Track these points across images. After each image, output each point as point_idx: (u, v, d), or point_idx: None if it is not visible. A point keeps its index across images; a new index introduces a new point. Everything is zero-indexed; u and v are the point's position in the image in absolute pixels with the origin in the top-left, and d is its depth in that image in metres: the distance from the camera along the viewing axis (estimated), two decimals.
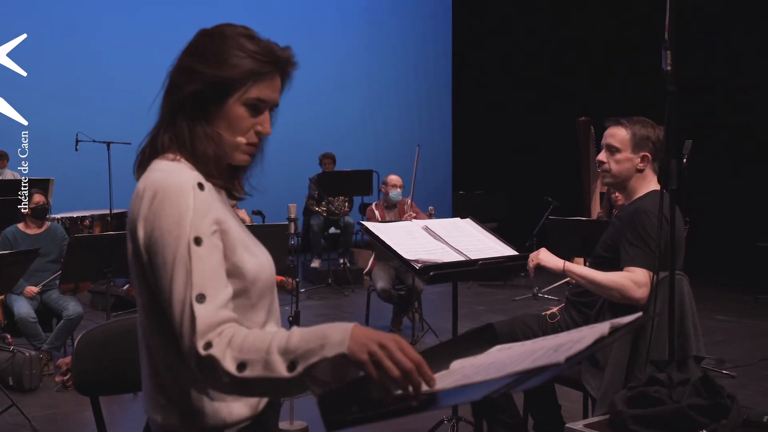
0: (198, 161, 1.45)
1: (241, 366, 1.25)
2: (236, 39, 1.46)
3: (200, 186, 1.40)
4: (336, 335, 1.23)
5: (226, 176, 1.53)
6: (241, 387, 1.27)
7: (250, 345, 1.27)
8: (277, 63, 1.47)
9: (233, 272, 1.42)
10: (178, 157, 1.45)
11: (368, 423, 1.10)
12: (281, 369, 1.23)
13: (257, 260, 1.48)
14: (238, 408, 1.46)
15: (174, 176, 1.40)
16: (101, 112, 8.94)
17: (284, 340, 1.26)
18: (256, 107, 1.47)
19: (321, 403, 1.08)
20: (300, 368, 1.22)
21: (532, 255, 2.89)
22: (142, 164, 1.48)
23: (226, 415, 1.45)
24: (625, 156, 2.80)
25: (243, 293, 1.44)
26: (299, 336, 1.26)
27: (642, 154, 2.79)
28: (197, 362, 1.28)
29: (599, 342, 1.12)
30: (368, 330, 1.25)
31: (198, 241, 1.35)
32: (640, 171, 2.82)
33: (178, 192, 1.37)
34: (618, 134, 2.81)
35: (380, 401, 1.07)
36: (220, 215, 1.43)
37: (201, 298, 1.30)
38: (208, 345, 1.27)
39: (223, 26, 1.49)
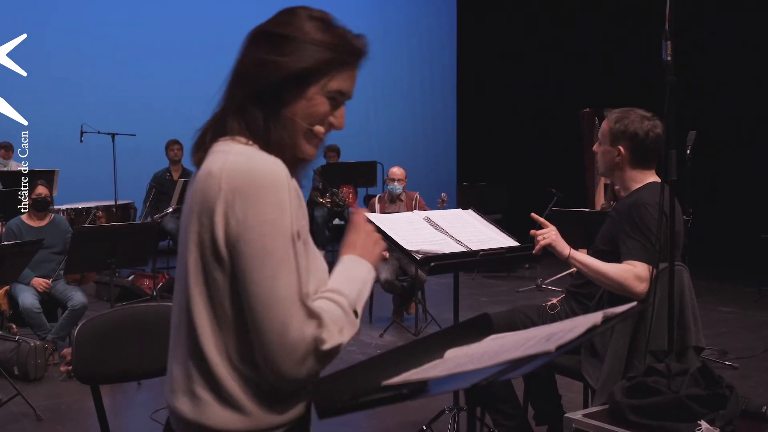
0: (272, 150, 1.37)
1: (340, 332, 1.34)
2: (313, 27, 1.40)
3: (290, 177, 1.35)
4: (363, 271, 1.45)
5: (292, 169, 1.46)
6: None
7: (336, 316, 1.34)
8: (355, 54, 1.44)
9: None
10: (250, 143, 1.38)
11: (360, 410, 1.11)
12: (355, 320, 1.38)
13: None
14: (293, 410, 1.39)
15: (260, 163, 1.32)
16: (101, 111, 8.84)
17: (344, 296, 1.37)
18: (335, 99, 1.42)
19: (313, 392, 1.09)
20: (359, 310, 1.40)
21: (543, 231, 2.76)
22: (201, 146, 1.41)
23: (278, 415, 1.37)
24: (605, 148, 2.86)
25: None
26: (345, 285, 1.39)
27: (618, 146, 2.81)
28: (319, 356, 1.28)
29: (591, 331, 1.13)
30: (359, 240, 1.48)
31: (299, 235, 1.32)
32: (618, 164, 2.83)
33: (274, 181, 1.30)
34: (603, 126, 2.89)
35: (371, 389, 1.08)
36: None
37: (306, 296, 1.30)
38: (322, 341, 1.29)
39: (297, 12, 1.42)
